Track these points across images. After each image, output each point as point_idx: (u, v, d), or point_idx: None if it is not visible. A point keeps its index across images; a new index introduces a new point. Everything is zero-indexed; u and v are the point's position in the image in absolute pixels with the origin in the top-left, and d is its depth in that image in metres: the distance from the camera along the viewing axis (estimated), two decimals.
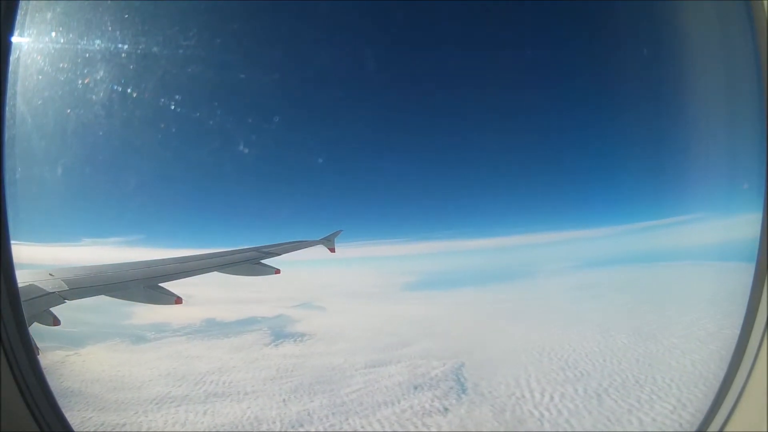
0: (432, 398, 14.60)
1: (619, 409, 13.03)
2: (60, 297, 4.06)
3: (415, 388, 15.39)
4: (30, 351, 1.80)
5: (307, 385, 16.01)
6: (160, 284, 4.97)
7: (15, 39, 1.62)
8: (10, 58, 1.61)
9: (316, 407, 14.50)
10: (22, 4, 1.65)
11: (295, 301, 26.57)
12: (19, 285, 1.77)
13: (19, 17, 1.64)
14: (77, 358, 18.17)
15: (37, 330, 3.67)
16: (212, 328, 22.51)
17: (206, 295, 23.50)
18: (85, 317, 19.11)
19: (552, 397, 14.22)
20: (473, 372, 16.19)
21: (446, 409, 13.96)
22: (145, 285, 4.88)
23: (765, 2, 1.84)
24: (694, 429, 2.14)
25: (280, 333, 21.43)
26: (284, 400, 15.01)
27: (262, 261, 6.37)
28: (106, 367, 17.86)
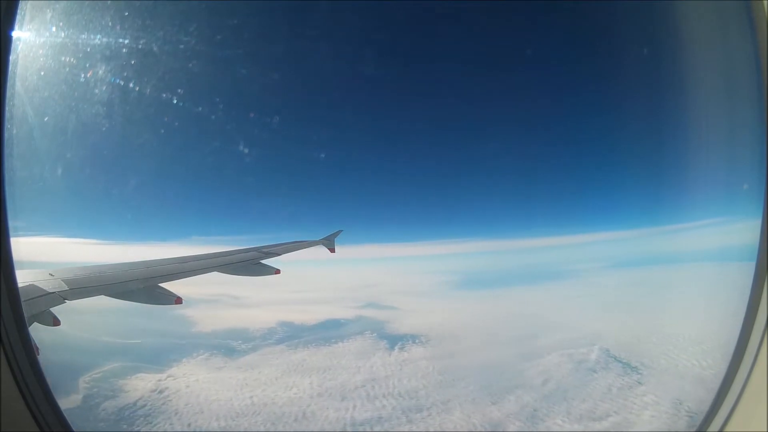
0: (618, 376, 14.75)
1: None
2: (60, 297, 4.06)
3: (593, 372, 15.57)
4: (30, 351, 1.80)
5: (494, 384, 15.44)
6: (160, 284, 4.97)
7: (15, 35, 1.62)
8: (11, 55, 1.61)
9: (532, 402, 14.17)
10: (22, 2, 1.65)
11: (356, 301, 25.21)
12: (19, 285, 1.77)
13: (19, 13, 1.64)
14: (175, 382, 15.24)
15: (37, 330, 3.66)
16: (299, 334, 20.57)
17: (258, 297, 22.31)
18: (137, 322, 16.80)
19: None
20: (625, 353, 16.18)
21: (640, 383, 14.25)
22: (145, 285, 4.89)
23: (765, 2, 1.84)
24: (694, 429, 2.15)
25: (386, 335, 20.06)
26: (493, 403, 14.32)
27: (262, 261, 6.37)
28: (227, 391, 14.87)
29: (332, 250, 8.54)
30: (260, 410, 14.10)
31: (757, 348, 1.93)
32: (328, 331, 20.97)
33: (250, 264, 6.24)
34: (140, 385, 14.93)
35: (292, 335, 20.34)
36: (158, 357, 16.74)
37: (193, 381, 15.63)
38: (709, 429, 2.04)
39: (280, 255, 6.80)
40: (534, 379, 15.47)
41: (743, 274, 2.06)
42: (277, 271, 6.23)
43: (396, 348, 18.95)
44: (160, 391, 14.53)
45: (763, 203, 2.05)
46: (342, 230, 9.03)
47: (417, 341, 19.43)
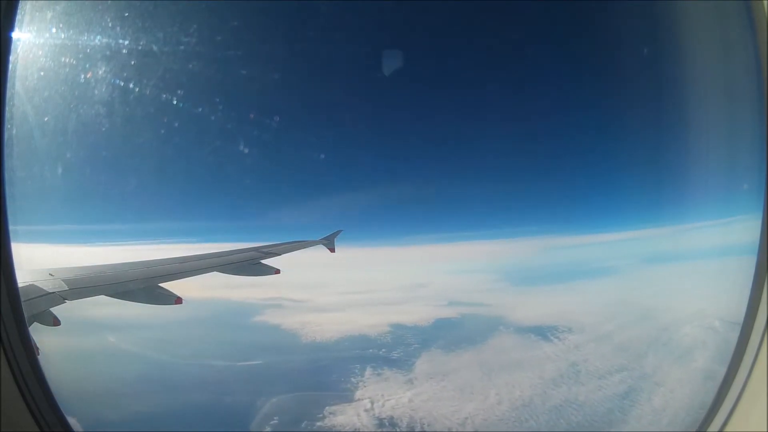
0: None
1: None
2: (60, 297, 4.06)
3: (729, 333, 16.19)
4: (30, 351, 1.80)
5: (672, 352, 15.45)
6: (160, 284, 4.98)
7: (15, 35, 1.62)
8: (11, 55, 1.61)
9: (716, 356, 14.44)
10: (21, 2, 1.64)
11: (432, 300, 23.64)
12: (19, 285, 1.77)
13: (19, 14, 1.63)
14: (387, 409, 13.05)
15: (37, 330, 3.66)
16: (434, 335, 19.04)
17: (320, 300, 20.61)
18: (228, 337, 15.52)
19: None
20: (738, 320, 16.53)
21: None
22: (145, 285, 4.89)
23: (765, 2, 1.84)
24: (694, 429, 2.14)
25: (518, 329, 19.09)
26: (692, 361, 13.90)
27: (262, 261, 6.38)
28: (463, 404, 13.48)
29: (332, 250, 8.55)
30: (526, 411, 13.09)
31: (757, 348, 1.93)
32: (454, 331, 19.56)
33: (250, 264, 6.25)
34: (350, 421, 12.85)
35: (427, 338, 18.76)
36: (312, 381, 14.60)
37: (406, 402, 13.61)
38: (709, 429, 2.03)
39: (279, 255, 6.81)
40: (696, 344, 15.57)
41: (742, 273, 2.06)
42: (277, 271, 6.24)
43: (551, 337, 18.16)
44: (394, 424, 12.63)
45: (762, 203, 2.05)
46: (342, 230, 9.03)
47: (561, 330, 18.57)
